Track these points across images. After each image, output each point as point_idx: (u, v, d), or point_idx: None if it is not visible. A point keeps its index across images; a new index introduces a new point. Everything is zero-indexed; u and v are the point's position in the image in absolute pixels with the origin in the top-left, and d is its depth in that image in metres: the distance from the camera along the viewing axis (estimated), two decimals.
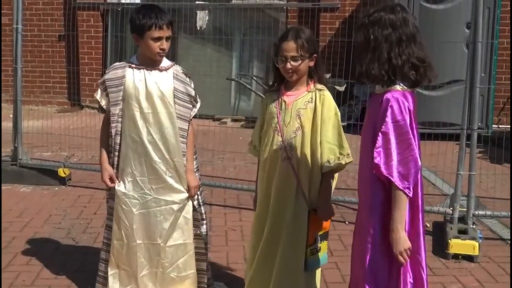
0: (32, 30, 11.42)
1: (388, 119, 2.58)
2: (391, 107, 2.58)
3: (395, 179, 2.57)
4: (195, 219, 3.77)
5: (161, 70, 3.57)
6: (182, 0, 9.69)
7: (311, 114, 3.24)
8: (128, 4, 10.82)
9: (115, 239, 3.68)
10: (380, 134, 2.60)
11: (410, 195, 2.62)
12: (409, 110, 2.61)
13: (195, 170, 3.78)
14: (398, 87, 2.64)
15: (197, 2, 10.63)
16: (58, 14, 11.57)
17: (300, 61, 3.20)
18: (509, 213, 5.09)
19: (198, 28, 10.77)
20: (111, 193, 3.71)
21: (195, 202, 3.75)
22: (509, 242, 4.94)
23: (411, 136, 2.59)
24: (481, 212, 5.10)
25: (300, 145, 3.24)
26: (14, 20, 6.55)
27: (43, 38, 11.69)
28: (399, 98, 2.60)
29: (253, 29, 10.52)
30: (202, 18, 10.75)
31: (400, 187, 2.58)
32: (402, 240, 2.63)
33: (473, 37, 4.92)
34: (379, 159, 2.60)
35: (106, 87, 3.58)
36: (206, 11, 10.75)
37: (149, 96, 3.52)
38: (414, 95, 2.71)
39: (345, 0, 10.60)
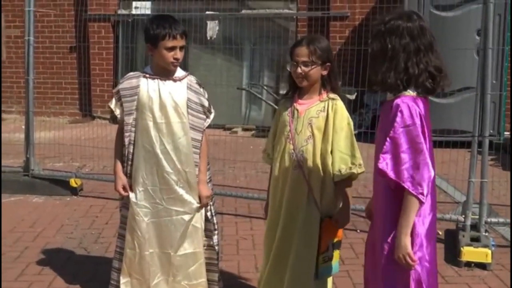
0: (44, 42, 11.51)
1: (397, 124, 2.56)
2: (401, 112, 2.56)
3: (407, 184, 2.54)
4: (207, 230, 3.78)
5: (175, 80, 3.58)
6: (192, 10, 9.73)
7: (323, 123, 3.24)
8: (138, 15, 10.89)
9: (128, 248, 3.69)
10: (388, 139, 2.57)
11: (424, 201, 2.58)
12: (420, 115, 2.58)
13: (208, 180, 3.78)
14: (409, 92, 2.62)
15: (207, 12, 10.68)
16: (69, 26, 11.68)
17: (310, 67, 3.20)
18: None
19: (209, 38, 10.82)
20: (125, 202, 3.72)
21: (208, 213, 3.76)
22: None
23: (423, 141, 2.56)
24: (493, 220, 5.06)
25: (311, 153, 3.25)
26: (26, 32, 6.61)
27: (54, 50, 11.80)
28: (409, 103, 2.57)
29: (263, 39, 10.57)
30: (212, 28, 10.81)
31: (414, 192, 2.54)
32: (403, 245, 2.59)
33: (483, 44, 4.91)
34: (384, 164, 2.57)
35: (121, 96, 3.60)
36: (216, 21, 10.80)
37: (162, 106, 3.53)
38: (426, 101, 2.69)
39: (354, 9, 10.63)
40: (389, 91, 2.66)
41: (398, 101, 2.59)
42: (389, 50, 2.60)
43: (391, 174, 2.57)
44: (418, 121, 2.56)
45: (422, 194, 2.55)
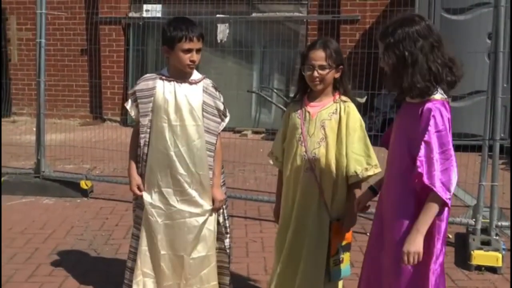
0: (55, 44, 11.58)
1: (431, 128, 2.58)
2: (434, 117, 2.58)
3: (438, 189, 2.56)
4: (219, 233, 3.78)
5: (191, 83, 3.59)
6: (202, 13, 9.76)
7: (336, 125, 3.25)
8: (149, 18, 10.94)
9: (143, 245, 3.69)
10: (422, 143, 2.59)
11: (449, 206, 2.63)
12: (448, 119, 2.62)
13: (222, 184, 3.79)
14: (438, 96, 2.64)
15: (217, 16, 10.70)
16: (80, 28, 11.72)
17: (327, 70, 3.20)
18: None
19: (219, 41, 10.84)
20: (139, 202, 3.72)
21: (220, 217, 3.76)
22: None
23: (451, 146, 2.60)
24: (504, 223, 5.05)
25: (324, 156, 3.25)
26: (37, 34, 6.64)
27: (65, 52, 11.85)
28: (440, 108, 2.60)
29: (273, 42, 10.56)
30: (222, 31, 10.83)
31: (442, 197, 2.57)
32: (417, 243, 2.61)
33: (494, 47, 4.89)
34: (422, 168, 2.59)
35: (137, 98, 3.61)
36: (227, 24, 10.82)
37: (178, 109, 3.54)
38: (449, 105, 2.72)
39: (365, 12, 10.61)
40: (421, 96, 2.66)
41: (429, 105, 2.61)
42: (408, 56, 2.61)
43: (425, 177, 2.58)
44: (448, 126, 2.60)
45: (449, 199, 2.60)
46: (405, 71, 2.63)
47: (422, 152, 2.59)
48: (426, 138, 2.58)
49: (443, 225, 2.73)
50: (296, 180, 3.32)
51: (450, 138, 2.60)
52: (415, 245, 2.61)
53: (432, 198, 2.59)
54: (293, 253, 3.32)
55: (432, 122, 2.58)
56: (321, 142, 3.25)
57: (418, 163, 2.59)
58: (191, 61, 3.48)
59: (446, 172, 2.58)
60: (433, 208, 2.60)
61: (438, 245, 2.71)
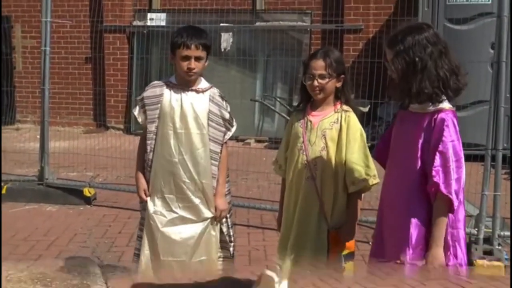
0: (59, 52, 11.60)
1: (446, 139, 2.63)
2: (447, 126, 2.64)
3: (454, 197, 2.61)
4: (223, 241, 3.79)
5: (198, 92, 3.62)
6: (206, 22, 9.79)
7: (336, 134, 3.26)
8: (153, 26, 10.98)
9: (145, 249, 3.71)
10: (437, 153, 2.63)
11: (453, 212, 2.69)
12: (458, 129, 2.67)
13: (227, 193, 3.79)
14: (447, 105, 2.67)
15: (221, 24, 10.73)
16: (85, 36, 11.77)
17: (327, 80, 3.23)
18: None
19: (223, 49, 10.86)
20: (145, 205, 3.74)
21: (224, 225, 3.77)
22: None
23: (462, 155, 2.65)
24: (506, 233, 5.04)
25: (324, 165, 3.26)
26: (42, 42, 6.69)
27: (70, 60, 11.88)
28: (453, 118, 2.66)
29: (277, 51, 10.59)
30: (226, 40, 10.86)
31: (455, 204, 2.62)
32: (441, 256, 2.67)
33: (497, 57, 4.90)
34: (438, 178, 2.62)
35: (144, 104, 3.64)
36: (230, 33, 10.85)
37: (183, 116, 3.57)
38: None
39: (368, 21, 10.63)
40: (428, 102, 2.70)
41: (443, 115, 2.66)
42: (418, 62, 2.66)
43: (442, 187, 2.62)
44: (459, 136, 2.66)
45: (456, 205, 2.65)
46: (414, 77, 2.67)
47: (437, 162, 2.63)
48: (441, 148, 2.63)
49: (460, 233, 2.76)
50: (298, 186, 3.33)
51: (461, 147, 2.65)
52: (440, 259, 2.67)
53: (442, 211, 2.65)
54: (296, 256, 3.32)
55: (446, 132, 2.63)
56: (322, 151, 3.26)
57: (434, 173, 2.63)
58: (188, 68, 3.50)
59: (458, 181, 2.63)
60: (445, 220, 2.66)
61: (458, 253, 2.75)
